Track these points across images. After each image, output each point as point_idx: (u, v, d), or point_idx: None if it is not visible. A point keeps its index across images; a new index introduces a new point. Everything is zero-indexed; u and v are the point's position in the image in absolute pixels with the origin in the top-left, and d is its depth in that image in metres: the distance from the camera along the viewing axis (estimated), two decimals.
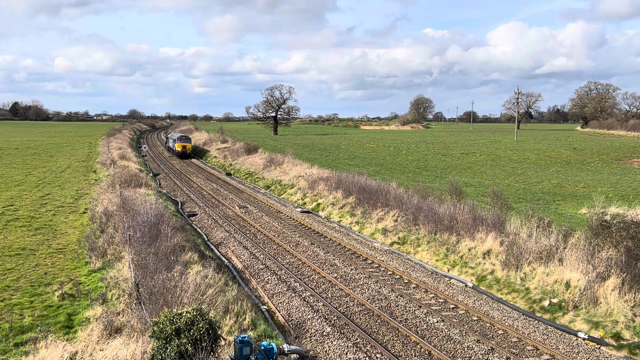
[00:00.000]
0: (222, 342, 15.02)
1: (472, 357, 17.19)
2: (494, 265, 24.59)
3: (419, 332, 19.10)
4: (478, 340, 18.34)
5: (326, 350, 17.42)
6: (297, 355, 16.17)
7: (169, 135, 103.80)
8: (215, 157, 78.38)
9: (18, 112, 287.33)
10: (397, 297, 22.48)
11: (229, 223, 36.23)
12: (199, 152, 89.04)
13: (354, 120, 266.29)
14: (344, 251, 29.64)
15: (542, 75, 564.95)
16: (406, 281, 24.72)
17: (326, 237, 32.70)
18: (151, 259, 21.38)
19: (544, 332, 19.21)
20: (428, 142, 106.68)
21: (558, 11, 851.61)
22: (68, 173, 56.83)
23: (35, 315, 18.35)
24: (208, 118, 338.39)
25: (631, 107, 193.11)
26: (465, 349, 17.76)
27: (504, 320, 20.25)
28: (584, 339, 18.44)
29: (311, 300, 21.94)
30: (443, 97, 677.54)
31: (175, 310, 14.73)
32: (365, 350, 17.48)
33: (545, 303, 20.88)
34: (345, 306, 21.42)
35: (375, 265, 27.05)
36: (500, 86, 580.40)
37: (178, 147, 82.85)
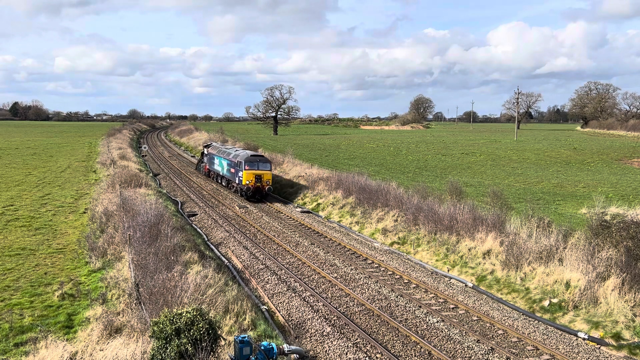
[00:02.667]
0: (222, 342, 15.02)
1: (472, 357, 17.19)
2: (494, 265, 24.59)
3: (419, 332, 19.10)
4: (478, 340, 18.34)
5: (326, 350, 17.42)
6: (297, 355, 16.17)
7: (209, 150, 57.54)
8: None
9: (18, 112, 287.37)
10: (397, 297, 22.48)
11: (229, 223, 36.23)
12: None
13: (354, 120, 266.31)
14: (344, 251, 29.64)
15: (543, 75, 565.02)
16: (406, 281, 24.71)
17: (326, 237, 32.70)
18: (151, 259, 21.38)
19: (544, 332, 19.20)
20: (428, 142, 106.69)
21: (559, 11, 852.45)
22: (68, 173, 56.82)
23: (35, 315, 18.35)
24: (208, 118, 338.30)
25: (631, 107, 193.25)
26: (465, 349, 17.76)
27: (504, 320, 20.25)
28: (584, 339, 18.44)
29: (311, 300, 21.94)
30: (443, 97, 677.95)
31: (175, 310, 14.73)
32: (365, 350, 17.48)
33: (545, 303, 20.88)
34: (345, 306, 21.42)
35: (375, 265, 27.04)
36: (500, 86, 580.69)
37: (247, 177, 43.32)
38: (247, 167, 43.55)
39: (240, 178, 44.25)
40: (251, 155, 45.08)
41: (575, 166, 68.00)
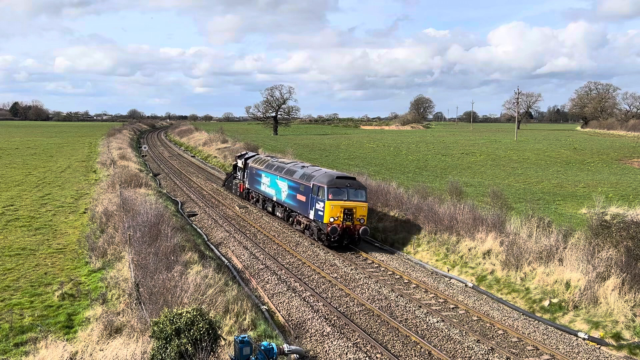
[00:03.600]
0: (222, 342, 15.02)
1: (472, 357, 17.19)
2: (494, 265, 24.59)
3: (419, 332, 19.10)
4: (478, 340, 18.33)
5: (326, 350, 17.41)
6: (297, 355, 16.17)
7: (250, 163, 42.53)
8: (215, 157, 78.36)
9: (18, 112, 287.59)
10: (397, 297, 22.47)
11: (229, 223, 36.22)
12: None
13: (354, 120, 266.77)
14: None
15: (543, 75, 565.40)
16: (406, 281, 24.71)
17: None
18: (151, 259, 21.38)
19: (544, 332, 19.20)
20: (428, 142, 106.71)
21: (559, 11, 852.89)
22: (68, 173, 56.82)
23: (35, 315, 18.35)
24: (208, 118, 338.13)
25: (631, 107, 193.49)
26: (465, 349, 17.76)
27: (504, 320, 20.25)
28: (584, 339, 18.44)
29: (311, 300, 21.94)
30: (443, 97, 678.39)
31: (175, 310, 14.73)
32: (365, 350, 17.48)
33: (546, 303, 20.88)
34: (345, 306, 21.42)
35: (375, 265, 27.04)
36: (500, 86, 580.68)
37: (331, 212, 28.51)
38: (330, 196, 28.47)
39: (319, 212, 29.04)
40: (337, 178, 29.52)
41: (575, 166, 68.01)
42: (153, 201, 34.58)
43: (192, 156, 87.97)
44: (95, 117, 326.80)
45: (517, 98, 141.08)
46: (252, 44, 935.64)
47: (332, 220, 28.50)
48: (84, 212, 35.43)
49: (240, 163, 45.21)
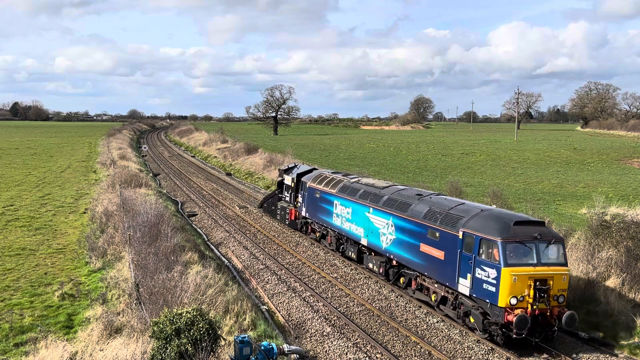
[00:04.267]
0: (222, 342, 15.03)
1: (472, 357, 17.18)
2: None
3: (419, 332, 19.10)
4: (478, 340, 18.33)
5: (326, 350, 17.42)
6: (297, 355, 16.17)
7: (309, 183, 30.43)
8: (215, 157, 78.41)
9: (18, 112, 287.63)
10: (397, 297, 22.47)
11: (229, 223, 36.22)
12: None
13: (354, 121, 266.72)
14: None
15: (544, 75, 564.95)
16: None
17: None
18: (151, 259, 21.39)
19: None
20: (428, 142, 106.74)
21: (559, 11, 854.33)
22: (68, 173, 56.83)
23: (35, 315, 18.35)
24: (208, 118, 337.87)
25: (631, 107, 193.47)
26: (465, 349, 17.76)
27: None
28: (584, 339, 18.43)
29: (311, 301, 21.94)
30: (443, 97, 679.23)
31: (175, 310, 14.74)
32: (365, 350, 17.48)
33: None
34: (345, 306, 21.42)
35: None
36: (501, 86, 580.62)
37: (514, 287, 16.17)
38: (513, 258, 16.81)
39: (486, 286, 17.11)
40: (516, 224, 17.37)
41: (575, 166, 68.00)
42: (153, 201, 34.57)
43: (192, 156, 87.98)
44: (95, 117, 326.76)
45: (517, 98, 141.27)
46: (252, 44, 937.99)
47: (513, 302, 16.53)
48: (84, 212, 35.43)
49: (288, 180, 33.72)
